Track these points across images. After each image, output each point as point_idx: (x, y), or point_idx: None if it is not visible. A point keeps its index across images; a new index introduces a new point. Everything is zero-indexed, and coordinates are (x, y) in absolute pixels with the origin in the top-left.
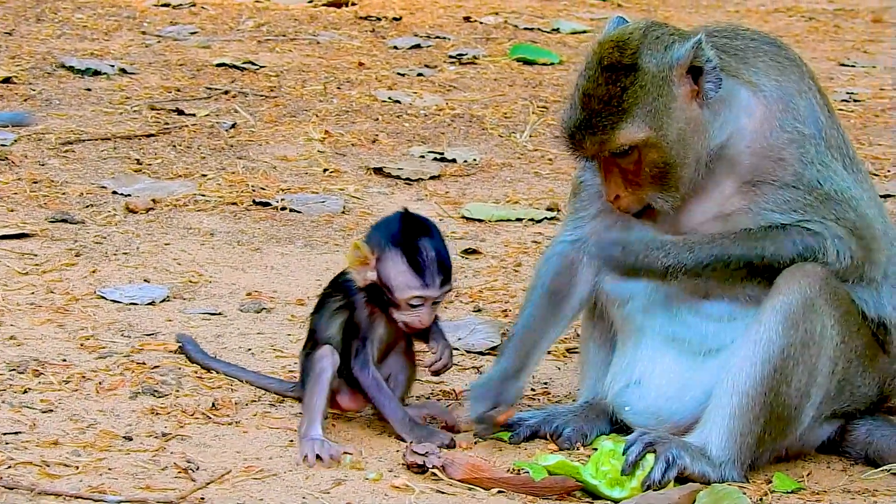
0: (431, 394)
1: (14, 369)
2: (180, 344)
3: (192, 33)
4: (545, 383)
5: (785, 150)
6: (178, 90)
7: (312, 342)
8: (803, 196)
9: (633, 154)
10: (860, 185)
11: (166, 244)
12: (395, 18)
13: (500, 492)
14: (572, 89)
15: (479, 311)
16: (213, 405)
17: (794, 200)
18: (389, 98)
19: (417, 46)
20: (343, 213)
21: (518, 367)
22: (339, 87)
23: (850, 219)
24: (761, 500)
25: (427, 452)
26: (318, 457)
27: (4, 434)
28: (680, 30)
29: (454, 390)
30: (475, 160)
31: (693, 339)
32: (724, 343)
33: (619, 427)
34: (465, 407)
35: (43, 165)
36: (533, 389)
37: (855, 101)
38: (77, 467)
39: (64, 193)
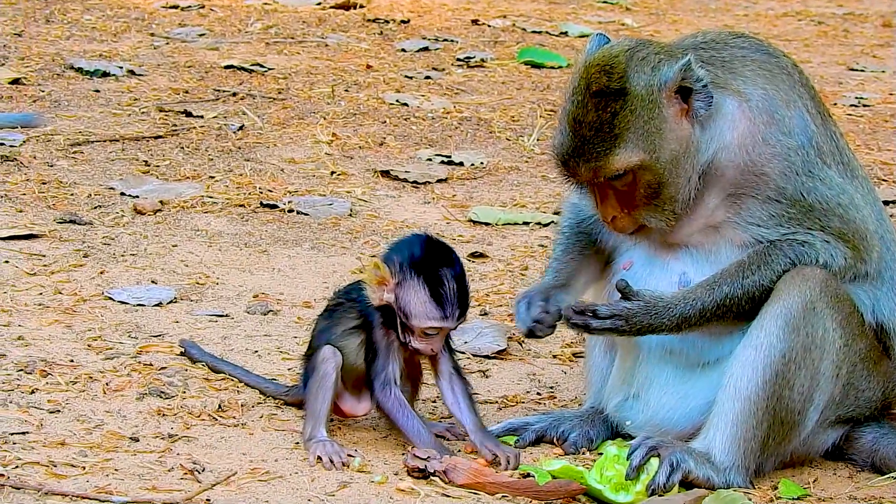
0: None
1: (22, 370)
2: (182, 349)
3: (201, 35)
4: (551, 387)
5: (767, 165)
6: (187, 92)
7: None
8: (786, 209)
9: (628, 177)
10: (851, 189)
11: (174, 246)
12: (403, 21)
13: (503, 496)
14: (561, 113)
15: (486, 314)
16: (220, 407)
17: (778, 215)
18: (397, 101)
19: (425, 49)
20: (350, 215)
21: (563, 282)
22: (346, 90)
23: (835, 226)
24: None
25: (428, 457)
26: (330, 460)
27: (12, 434)
28: (665, 47)
29: None
30: (482, 163)
31: (690, 351)
32: (721, 355)
33: (624, 434)
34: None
35: (51, 167)
36: (539, 394)
37: (864, 105)
38: (84, 468)
39: (72, 195)
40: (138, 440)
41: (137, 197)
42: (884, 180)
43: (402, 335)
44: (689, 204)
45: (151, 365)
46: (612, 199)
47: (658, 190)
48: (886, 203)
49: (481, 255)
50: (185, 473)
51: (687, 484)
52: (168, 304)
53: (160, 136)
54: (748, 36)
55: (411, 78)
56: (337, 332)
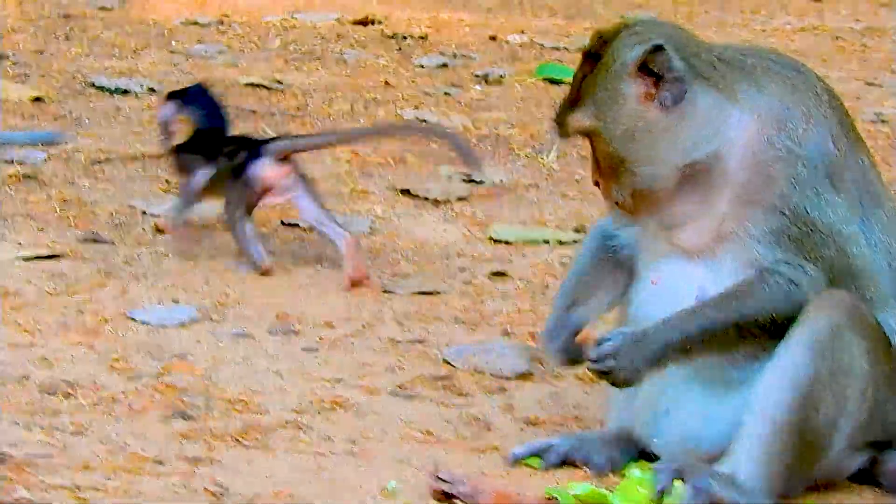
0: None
1: (45, 391)
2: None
3: (220, 52)
4: (575, 408)
5: (773, 166)
6: None
7: None
8: (788, 226)
9: (593, 143)
10: (856, 224)
11: (195, 265)
12: (421, 37)
13: None
14: None
15: (508, 334)
16: (243, 429)
17: (779, 231)
18: (416, 118)
19: (444, 65)
20: (370, 233)
21: (573, 301)
22: (365, 107)
23: (829, 256)
24: None
25: (453, 480)
26: None
27: (35, 457)
28: (679, 36)
29: (482, 415)
30: (502, 181)
31: (718, 371)
32: (748, 376)
33: (649, 455)
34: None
35: (73, 185)
36: (562, 415)
37: (882, 121)
38: (108, 491)
39: (94, 213)
40: (162, 463)
41: (159, 216)
42: None
43: None
44: (664, 195)
45: (174, 386)
46: (593, 163)
47: (615, 165)
48: None
49: (502, 274)
50: (210, 496)
51: None
52: (190, 323)
53: None
54: (790, 58)
55: (430, 94)
56: None
